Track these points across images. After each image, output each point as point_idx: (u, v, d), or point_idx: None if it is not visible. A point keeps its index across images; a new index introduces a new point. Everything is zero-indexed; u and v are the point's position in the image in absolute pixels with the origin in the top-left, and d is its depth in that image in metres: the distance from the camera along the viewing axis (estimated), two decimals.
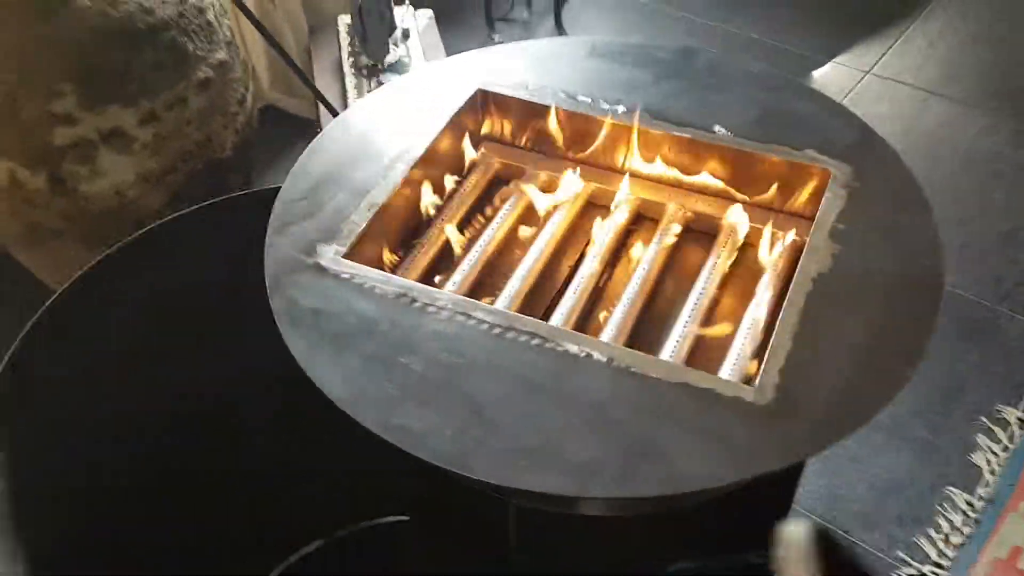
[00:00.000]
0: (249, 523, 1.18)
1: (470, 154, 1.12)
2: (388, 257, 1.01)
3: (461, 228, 1.06)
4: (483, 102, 1.14)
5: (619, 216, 1.06)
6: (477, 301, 0.88)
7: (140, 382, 1.07)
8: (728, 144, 1.02)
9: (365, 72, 2.08)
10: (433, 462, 0.75)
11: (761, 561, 1.09)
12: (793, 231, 1.00)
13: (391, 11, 2.14)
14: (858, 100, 2.40)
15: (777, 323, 0.84)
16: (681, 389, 0.80)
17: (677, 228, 1.03)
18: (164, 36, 1.44)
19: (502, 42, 2.69)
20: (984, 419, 1.64)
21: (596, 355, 0.82)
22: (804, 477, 1.57)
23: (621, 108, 1.07)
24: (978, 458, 1.58)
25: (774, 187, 1.02)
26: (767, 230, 1.00)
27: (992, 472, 1.55)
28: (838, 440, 0.75)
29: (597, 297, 1.00)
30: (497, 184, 1.13)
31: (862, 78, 2.47)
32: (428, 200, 1.06)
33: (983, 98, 2.37)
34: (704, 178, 1.05)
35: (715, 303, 0.98)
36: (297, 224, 0.96)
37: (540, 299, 0.99)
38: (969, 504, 1.51)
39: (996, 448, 1.58)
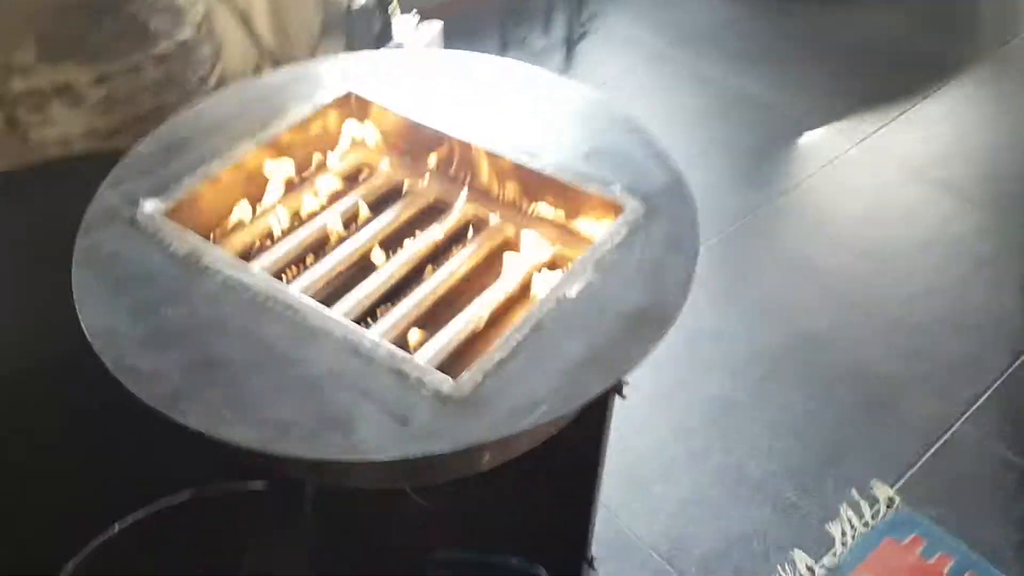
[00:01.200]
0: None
1: (342, 147, 1.21)
2: (222, 226, 1.10)
3: (304, 214, 1.15)
4: (355, 104, 1.23)
5: (445, 223, 1.13)
6: (252, 269, 0.97)
7: None
8: (550, 174, 1.09)
9: None
10: (148, 403, 0.84)
11: (522, 568, 1.15)
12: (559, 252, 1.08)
13: (382, 17, 2.26)
14: (837, 168, 2.42)
15: (506, 332, 0.91)
16: (393, 374, 0.87)
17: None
18: (127, 10, 1.58)
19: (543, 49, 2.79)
20: (855, 491, 1.65)
21: (335, 332, 0.91)
22: (656, 515, 1.60)
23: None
24: (834, 528, 1.59)
25: (562, 211, 1.09)
26: (542, 245, 1.07)
27: (844, 544, 1.56)
28: (504, 435, 0.82)
29: (400, 293, 1.07)
30: (352, 180, 1.22)
31: (849, 149, 2.49)
32: (278, 181, 1.16)
33: (963, 186, 2.36)
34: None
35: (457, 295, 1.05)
36: (133, 180, 1.07)
37: (346, 287, 1.07)
38: (810, 570, 1.52)
39: (856, 522, 1.59)
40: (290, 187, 1.17)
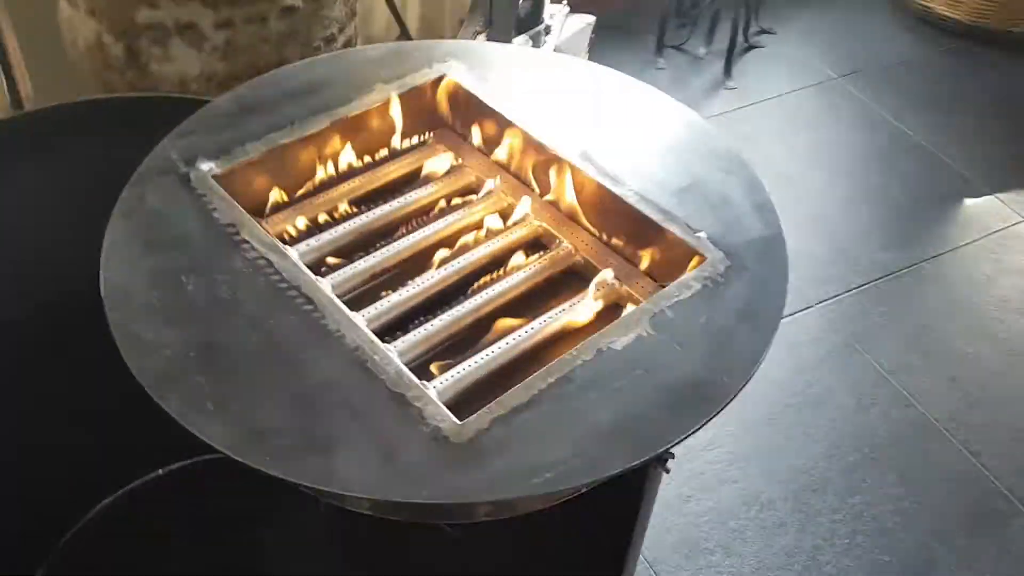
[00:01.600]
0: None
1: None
2: (277, 197, 1.05)
3: (366, 200, 1.08)
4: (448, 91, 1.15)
5: (508, 235, 1.04)
6: (287, 252, 0.91)
7: None
8: (632, 203, 0.98)
9: None
10: (136, 377, 0.78)
11: None
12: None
13: (532, 1, 2.17)
14: (998, 242, 2.16)
15: (531, 376, 0.81)
16: (395, 400, 0.79)
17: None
18: None
19: (663, 69, 2.67)
20: None
21: (348, 339, 0.83)
22: None
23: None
24: None
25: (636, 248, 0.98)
26: (608, 278, 0.96)
27: None
28: (494, 498, 0.72)
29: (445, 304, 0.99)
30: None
31: (1017, 223, 2.22)
32: (345, 162, 1.09)
33: None
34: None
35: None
36: (201, 135, 1.03)
37: (385, 285, 0.99)
38: None
39: None
40: (358, 171, 1.10)
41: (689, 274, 0.91)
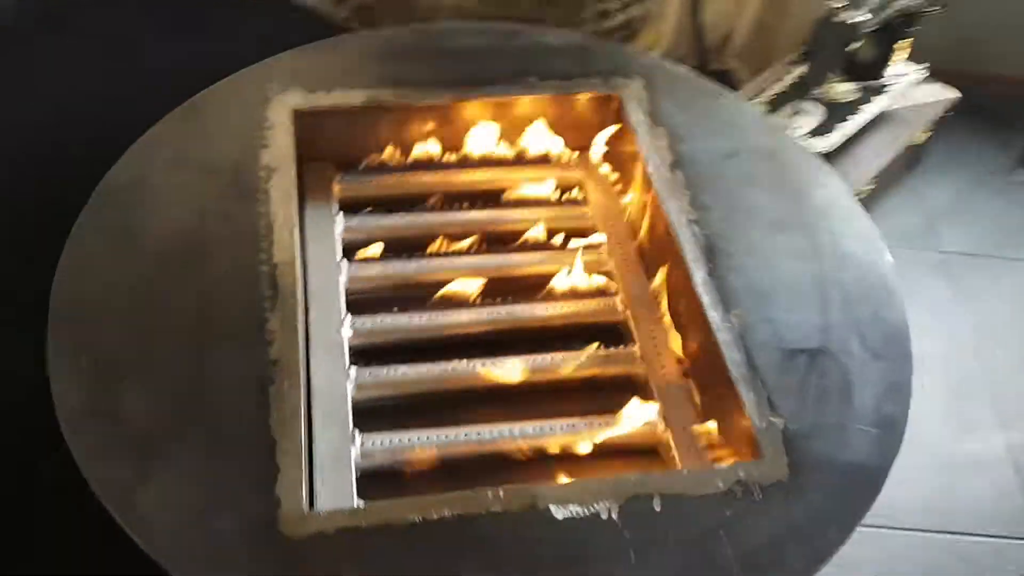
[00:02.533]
0: None
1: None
2: (366, 156, 0.93)
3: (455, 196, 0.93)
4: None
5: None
6: (291, 222, 0.78)
7: None
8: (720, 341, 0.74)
9: (791, 89, 1.84)
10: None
11: None
12: None
13: (879, 50, 1.84)
14: None
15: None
16: (266, 448, 0.64)
17: None
18: None
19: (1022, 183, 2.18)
20: None
21: (277, 343, 0.69)
22: None
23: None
24: None
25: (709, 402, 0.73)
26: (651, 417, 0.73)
27: None
28: None
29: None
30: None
31: None
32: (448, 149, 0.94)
33: None
34: None
35: None
36: (315, 63, 0.92)
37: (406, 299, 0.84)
38: None
39: None
40: (458, 164, 0.94)
41: (725, 465, 0.66)
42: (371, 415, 0.75)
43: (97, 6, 1.08)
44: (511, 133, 0.94)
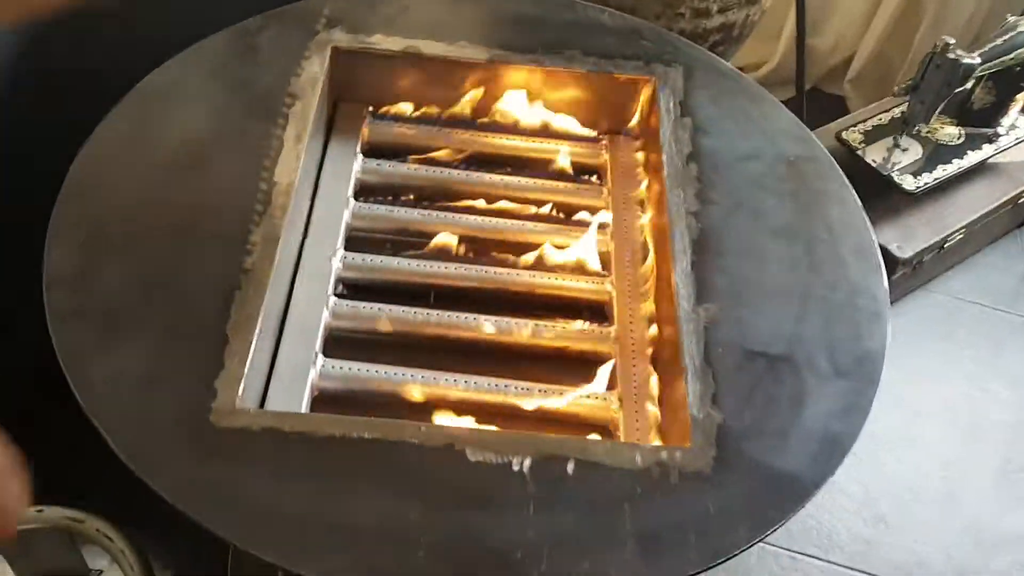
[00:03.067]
0: None
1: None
2: (393, 105, 0.97)
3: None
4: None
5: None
6: (297, 152, 0.83)
7: None
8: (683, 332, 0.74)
9: (893, 122, 1.79)
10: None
11: None
12: None
13: (992, 97, 1.77)
14: None
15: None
16: (218, 337, 0.69)
17: None
18: None
19: None
20: None
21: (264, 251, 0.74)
22: None
23: None
24: None
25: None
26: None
27: None
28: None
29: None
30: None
31: None
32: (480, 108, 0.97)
33: None
34: None
35: None
36: (364, 5, 0.97)
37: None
38: None
39: None
40: (485, 127, 0.97)
41: (648, 445, 0.67)
42: (340, 345, 0.79)
43: None
44: (544, 103, 0.96)
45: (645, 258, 0.87)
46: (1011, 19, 1.69)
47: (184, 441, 0.63)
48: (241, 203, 0.77)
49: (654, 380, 0.77)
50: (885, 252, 1.65)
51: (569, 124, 0.97)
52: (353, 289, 0.83)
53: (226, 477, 0.62)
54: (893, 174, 1.71)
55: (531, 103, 0.96)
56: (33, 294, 0.69)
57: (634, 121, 0.96)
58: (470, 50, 0.94)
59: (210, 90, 0.86)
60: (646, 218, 0.89)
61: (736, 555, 0.62)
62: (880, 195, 1.73)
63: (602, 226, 0.90)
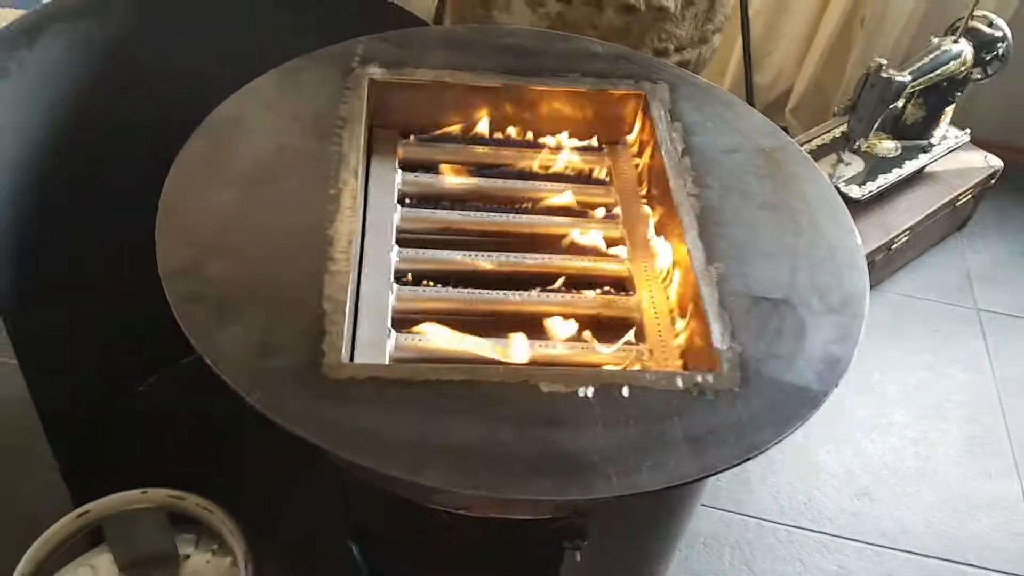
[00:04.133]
0: None
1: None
2: (423, 126, 1.13)
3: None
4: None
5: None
6: (349, 167, 0.98)
7: None
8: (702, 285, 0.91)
9: (835, 141, 2.01)
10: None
11: None
12: None
13: (924, 112, 2.00)
14: None
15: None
16: (319, 311, 0.83)
17: None
18: None
19: None
20: None
21: (340, 241, 0.89)
22: None
23: None
24: None
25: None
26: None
27: None
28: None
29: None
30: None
31: None
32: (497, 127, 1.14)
33: None
34: None
35: None
36: (390, 43, 1.13)
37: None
38: None
39: None
40: (507, 143, 1.14)
41: (691, 372, 0.83)
42: (406, 323, 0.93)
43: None
44: (551, 120, 1.14)
45: (651, 242, 1.03)
46: (935, 40, 1.93)
47: (302, 388, 0.77)
48: (315, 202, 0.92)
49: (675, 332, 0.93)
50: None
51: (577, 137, 1.14)
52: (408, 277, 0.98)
53: (341, 414, 0.75)
54: (840, 185, 1.92)
55: (541, 121, 1.13)
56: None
57: (635, 130, 1.14)
58: (486, 78, 1.11)
59: (269, 119, 1.01)
60: (651, 209, 1.06)
61: (767, 449, 0.77)
62: None
63: (614, 217, 1.06)
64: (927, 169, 2.08)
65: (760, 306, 0.89)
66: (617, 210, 1.07)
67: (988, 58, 1.94)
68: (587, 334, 0.93)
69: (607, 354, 0.91)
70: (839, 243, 0.97)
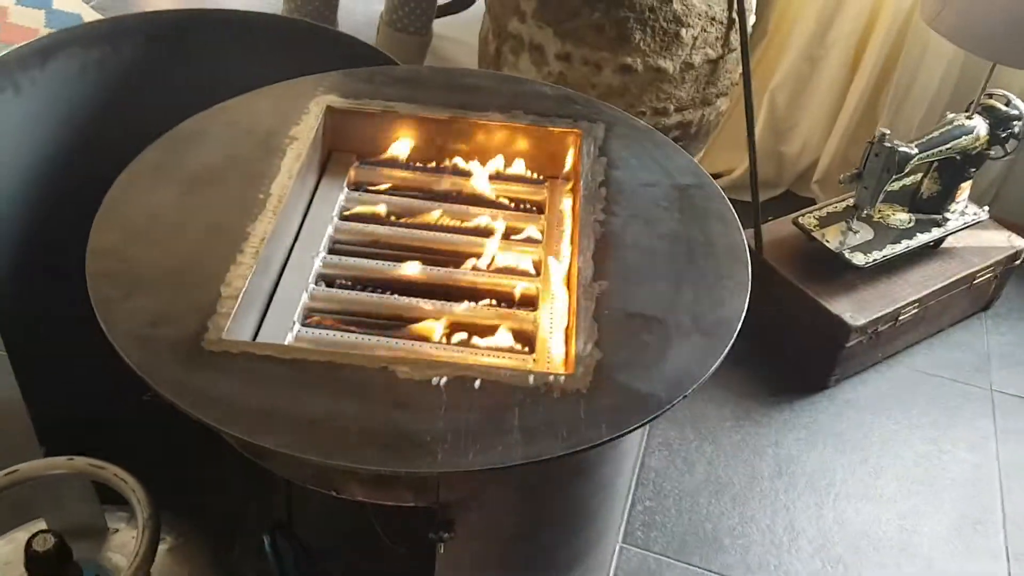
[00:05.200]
0: None
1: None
2: (373, 151, 1.22)
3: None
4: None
5: None
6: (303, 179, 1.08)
7: None
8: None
9: (844, 208, 2.01)
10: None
11: None
12: None
13: (898, 173, 1.98)
14: None
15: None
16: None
17: None
18: (617, 13, 1.72)
19: None
20: None
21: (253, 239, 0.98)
22: None
23: None
24: None
25: None
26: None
27: None
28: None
29: None
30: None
31: None
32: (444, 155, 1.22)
33: None
34: None
35: None
36: (351, 79, 1.24)
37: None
38: None
39: None
40: (451, 170, 1.22)
41: (545, 371, 0.87)
42: (317, 321, 1.01)
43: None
44: (495, 152, 1.21)
45: (560, 263, 1.08)
46: (949, 115, 1.93)
47: (180, 356, 0.85)
48: (243, 206, 1.01)
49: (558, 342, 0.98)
50: (839, 321, 1.84)
51: (518, 169, 1.22)
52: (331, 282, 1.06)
53: (206, 381, 0.83)
54: (844, 251, 1.92)
55: (485, 153, 1.21)
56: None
57: (567, 164, 1.20)
58: (435, 111, 1.20)
59: (227, 134, 1.12)
60: (567, 230, 1.11)
61: (596, 447, 0.81)
62: (835, 272, 1.94)
63: (535, 241, 1.12)
64: (945, 245, 2.05)
65: (633, 321, 0.93)
66: (538, 235, 1.13)
67: (1004, 135, 1.93)
68: (477, 340, 0.99)
69: (491, 359, 0.96)
70: (729, 272, 1.00)
